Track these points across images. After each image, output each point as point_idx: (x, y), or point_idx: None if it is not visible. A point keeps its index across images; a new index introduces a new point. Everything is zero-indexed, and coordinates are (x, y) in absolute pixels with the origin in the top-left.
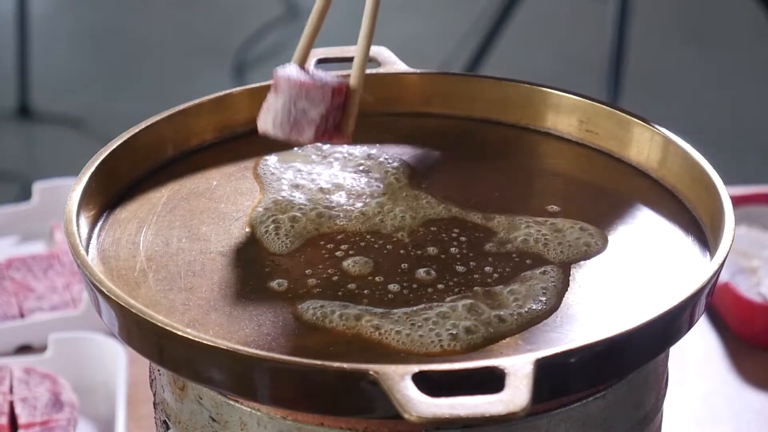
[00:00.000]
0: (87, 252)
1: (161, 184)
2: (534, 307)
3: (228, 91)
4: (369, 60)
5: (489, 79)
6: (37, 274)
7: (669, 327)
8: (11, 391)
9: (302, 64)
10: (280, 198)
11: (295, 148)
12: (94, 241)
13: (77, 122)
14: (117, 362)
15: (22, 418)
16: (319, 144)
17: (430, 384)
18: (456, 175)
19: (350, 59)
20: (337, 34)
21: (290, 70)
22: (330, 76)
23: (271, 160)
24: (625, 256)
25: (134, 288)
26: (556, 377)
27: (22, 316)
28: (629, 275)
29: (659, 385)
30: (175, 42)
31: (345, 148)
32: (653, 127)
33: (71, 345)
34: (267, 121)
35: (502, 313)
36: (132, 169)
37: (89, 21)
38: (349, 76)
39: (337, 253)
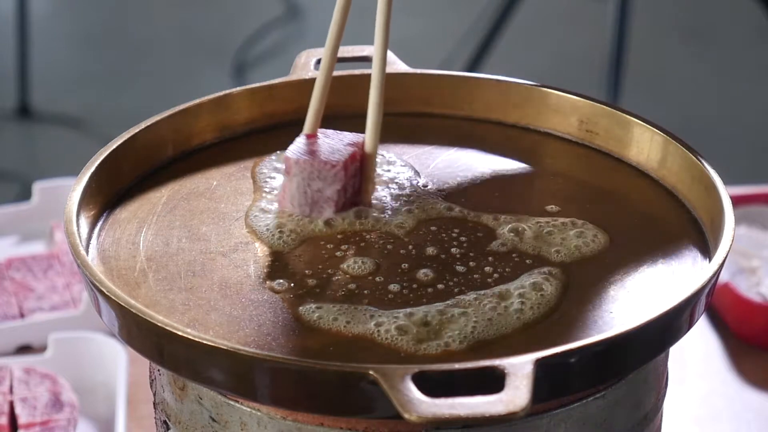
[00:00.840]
0: (87, 252)
1: (161, 184)
2: (534, 307)
3: (228, 91)
4: (369, 60)
5: (489, 79)
6: (37, 274)
7: (669, 327)
8: (11, 391)
9: (314, 133)
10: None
11: None
12: (94, 241)
13: (77, 122)
14: (117, 362)
15: (22, 418)
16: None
17: (430, 384)
18: (456, 175)
19: (349, 59)
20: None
21: (299, 148)
22: (342, 141)
23: (271, 159)
24: (625, 255)
25: (134, 288)
26: (556, 377)
27: (22, 316)
28: (629, 275)
29: (659, 385)
30: (175, 42)
31: None
32: (653, 127)
33: (71, 345)
34: (286, 203)
35: (502, 313)
36: (132, 169)
37: (89, 21)
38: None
39: (337, 253)
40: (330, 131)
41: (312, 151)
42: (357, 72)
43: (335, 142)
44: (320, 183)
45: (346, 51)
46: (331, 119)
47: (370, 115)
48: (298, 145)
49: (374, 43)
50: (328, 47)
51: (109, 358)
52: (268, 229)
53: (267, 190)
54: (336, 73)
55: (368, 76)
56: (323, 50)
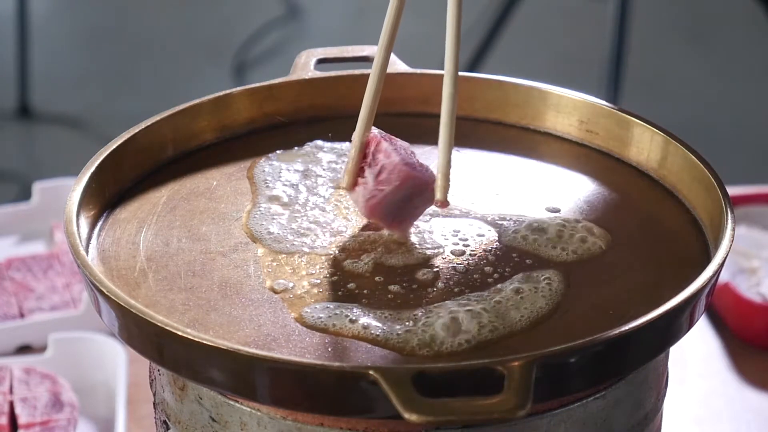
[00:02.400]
0: (87, 252)
1: (161, 184)
2: (534, 307)
3: (228, 91)
4: (369, 60)
5: (489, 79)
6: (37, 274)
7: (669, 327)
8: (11, 391)
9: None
10: (281, 198)
11: (295, 148)
12: (94, 241)
13: (77, 122)
14: (117, 362)
15: (22, 418)
16: (320, 142)
17: (430, 384)
18: (456, 176)
19: (350, 59)
20: (337, 34)
21: (410, 161)
22: (412, 156)
23: (271, 160)
24: (625, 255)
25: (134, 288)
26: (556, 377)
27: (22, 316)
28: (629, 275)
29: (659, 385)
30: (175, 42)
31: (345, 149)
32: (653, 127)
33: (71, 345)
34: (378, 211)
35: (502, 313)
36: (132, 169)
37: (89, 21)
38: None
39: (337, 253)
40: (398, 142)
41: (415, 166)
42: (357, 72)
43: (413, 159)
44: (418, 201)
45: (346, 51)
46: (332, 119)
47: (439, 164)
48: (404, 156)
49: (444, 77)
50: (382, 47)
51: (109, 358)
52: (267, 229)
53: (270, 189)
54: (336, 73)
55: (368, 76)
56: (375, 50)
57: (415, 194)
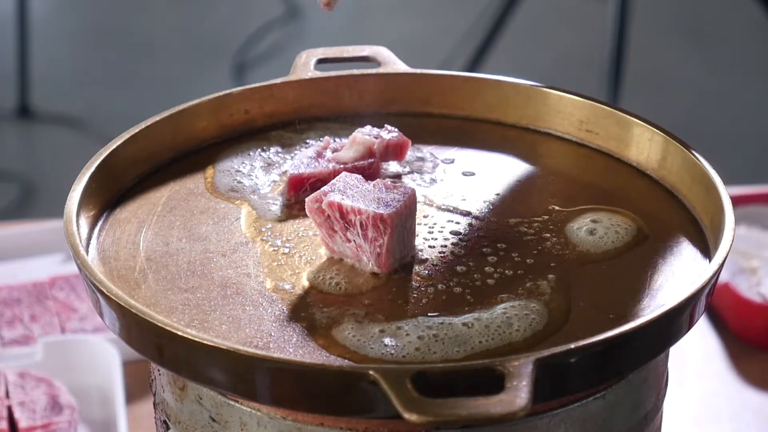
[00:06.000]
0: (87, 252)
1: (161, 184)
2: (534, 307)
3: (228, 91)
4: (369, 60)
5: (489, 79)
6: (81, 294)
7: (669, 327)
8: (7, 395)
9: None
10: (281, 197)
11: (295, 147)
12: (94, 241)
13: (77, 122)
14: (111, 364)
15: (23, 422)
16: (320, 142)
17: (430, 384)
18: (456, 176)
19: (350, 59)
20: (337, 34)
21: (379, 199)
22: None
23: (271, 159)
24: (625, 255)
25: (134, 288)
26: (556, 377)
27: None
28: (629, 275)
29: (659, 385)
30: (175, 42)
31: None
32: (653, 127)
33: (62, 348)
34: (386, 263)
35: (501, 313)
36: (132, 169)
37: (89, 20)
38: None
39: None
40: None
41: (387, 202)
42: (357, 72)
43: (376, 193)
44: (410, 220)
45: (346, 51)
46: (332, 119)
47: None
48: (368, 200)
49: None
50: None
51: (102, 360)
52: (268, 230)
53: (270, 190)
54: (336, 73)
55: (368, 76)
56: None
57: (407, 217)
